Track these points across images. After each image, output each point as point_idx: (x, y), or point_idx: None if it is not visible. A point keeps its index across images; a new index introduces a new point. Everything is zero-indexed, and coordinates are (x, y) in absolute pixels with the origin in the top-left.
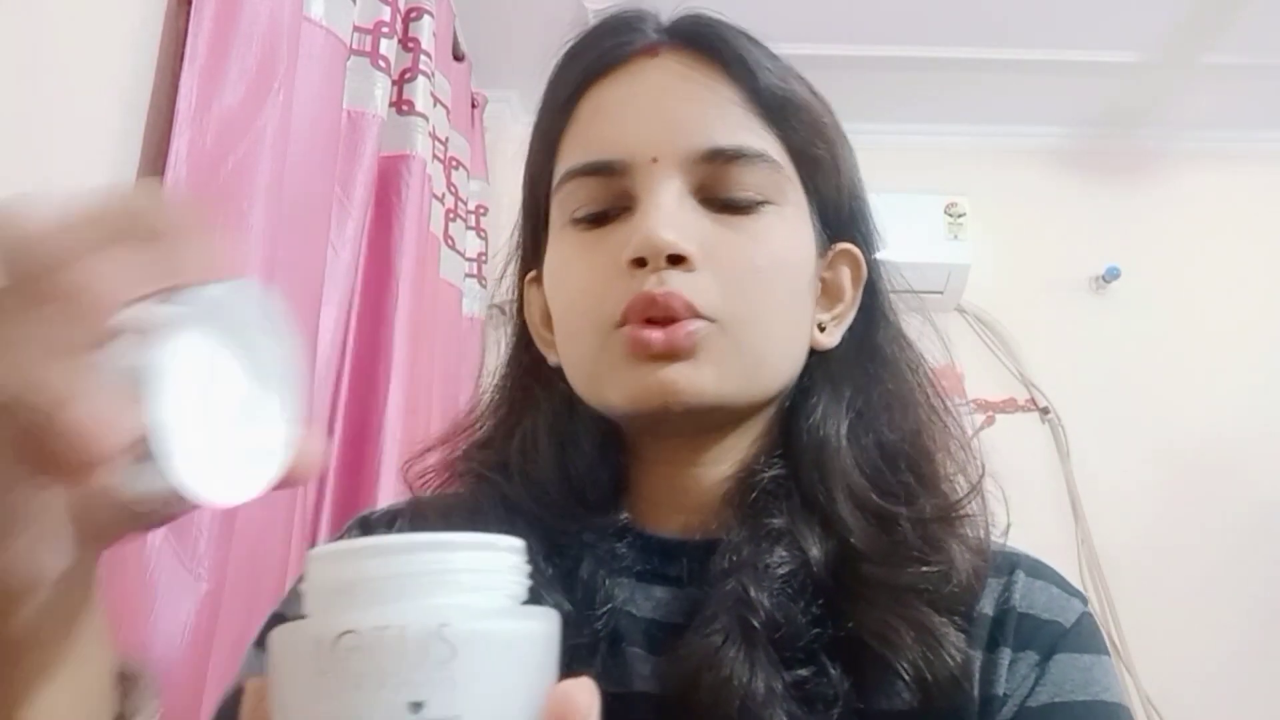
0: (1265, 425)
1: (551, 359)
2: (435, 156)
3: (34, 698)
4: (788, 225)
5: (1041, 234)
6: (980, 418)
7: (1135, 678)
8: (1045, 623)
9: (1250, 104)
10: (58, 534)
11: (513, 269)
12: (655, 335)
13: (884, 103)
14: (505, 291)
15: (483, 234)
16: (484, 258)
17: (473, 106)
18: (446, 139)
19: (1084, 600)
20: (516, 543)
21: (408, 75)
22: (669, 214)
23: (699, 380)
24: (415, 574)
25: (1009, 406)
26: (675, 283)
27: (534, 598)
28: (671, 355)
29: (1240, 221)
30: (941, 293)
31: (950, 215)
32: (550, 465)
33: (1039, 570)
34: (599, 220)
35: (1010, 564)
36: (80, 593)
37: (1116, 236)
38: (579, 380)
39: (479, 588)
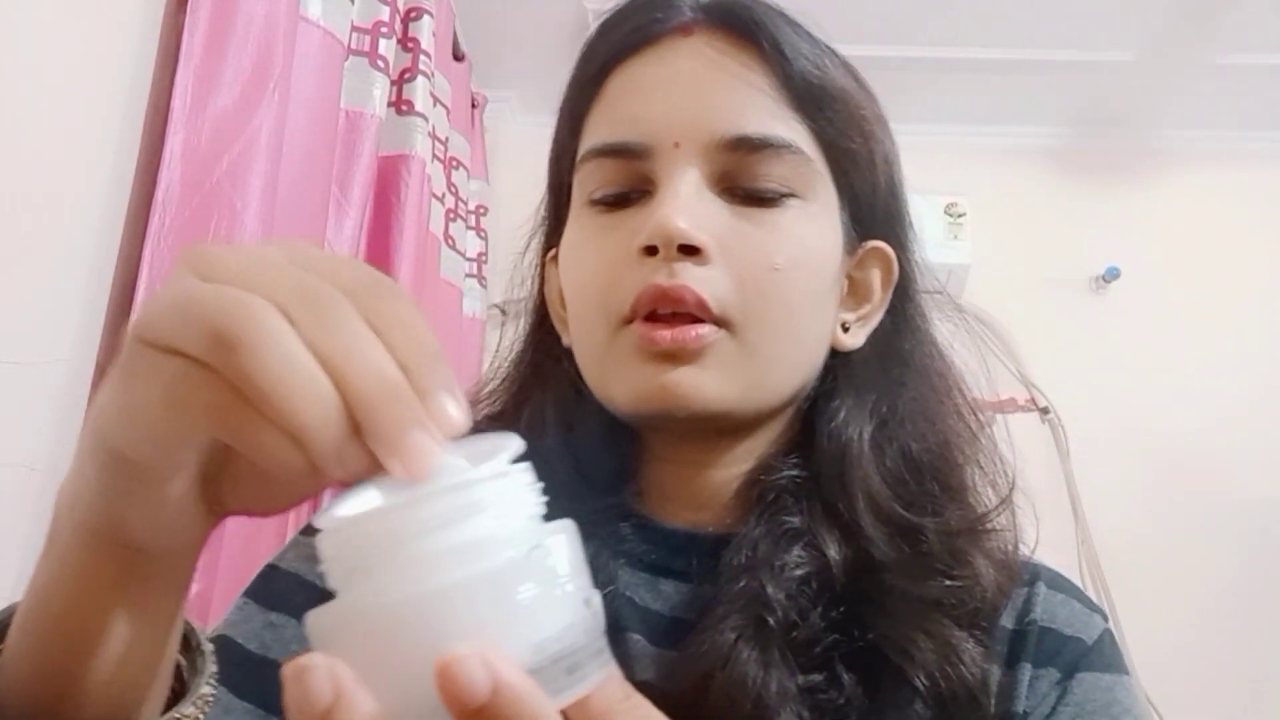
0: (1264, 425)
1: (565, 340)
2: (435, 156)
3: (149, 618)
4: (813, 221)
5: (1041, 234)
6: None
7: (1136, 677)
8: (1068, 639)
9: (1249, 104)
10: (195, 500)
11: (535, 244)
12: (663, 334)
13: (884, 103)
14: (527, 266)
15: (483, 234)
16: (484, 258)
17: (473, 106)
18: (446, 139)
19: (1105, 617)
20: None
21: (407, 75)
22: (686, 202)
23: (703, 386)
24: (508, 496)
25: (1009, 406)
26: (686, 275)
27: None
28: (677, 357)
29: (1240, 221)
30: (941, 293)
31: (950, 215)
32: (557, 444)
33: (1060, 584)
34: (618, 203)
35: (1031, 575)
36: (192, 558)
37: (1116, 236)
38: (587, 371)
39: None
